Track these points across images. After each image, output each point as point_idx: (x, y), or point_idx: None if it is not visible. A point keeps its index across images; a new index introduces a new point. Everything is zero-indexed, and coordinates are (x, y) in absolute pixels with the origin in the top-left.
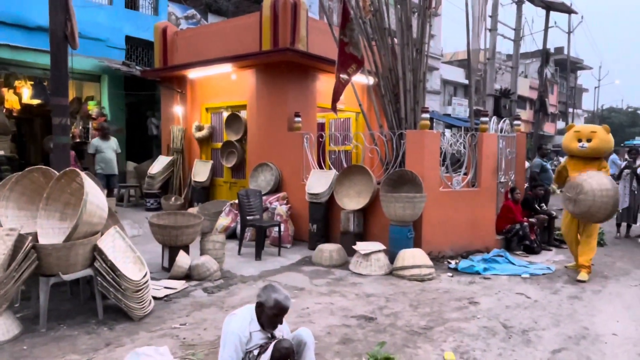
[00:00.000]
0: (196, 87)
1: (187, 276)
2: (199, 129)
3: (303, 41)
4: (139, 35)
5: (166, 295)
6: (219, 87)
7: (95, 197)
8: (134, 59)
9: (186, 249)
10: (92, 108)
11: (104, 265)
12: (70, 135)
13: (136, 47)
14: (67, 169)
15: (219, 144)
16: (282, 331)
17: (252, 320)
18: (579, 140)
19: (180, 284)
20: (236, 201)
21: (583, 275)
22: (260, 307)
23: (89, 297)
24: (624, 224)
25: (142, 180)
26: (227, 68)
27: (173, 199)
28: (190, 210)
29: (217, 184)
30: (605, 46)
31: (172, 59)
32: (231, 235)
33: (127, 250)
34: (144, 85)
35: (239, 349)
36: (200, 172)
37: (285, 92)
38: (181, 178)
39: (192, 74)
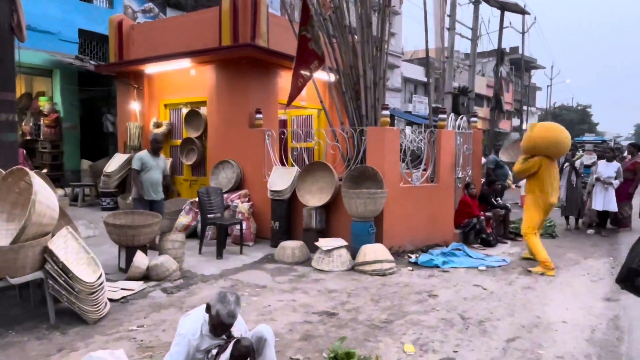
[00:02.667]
0: (154, 83)
1: (145, 277)
2: (157, 125)
3: (264, 37)
4: (93, 28)
5: (123, 297)
6: (177, 83)
7: (45, 196)
8: (88, 53)
9: (144, 249)
10: (43, 104)
11: (56, 267)
12: (20, 132)
13: (90, 41)
14: (15, 167)
15: (179, 141)
16: (240, 330)
17: (205, 322)
18: None
19: (137, 285)
20: (196, 199)
21: (538, 269)
22: (207, 311)
23: (40, 301)
24: (572, 217)
25: (98, 179)
26: (186, 63)
27: (130, 197)
28: None
29: (176, 182)
30: (556, 46)
31: (129, 53)
32: (192, 234)
33: (81, 251)
34: (99, 81)
35: (185, 351)
36: None
37: (246, 88)
38: None
39: (150, 69)
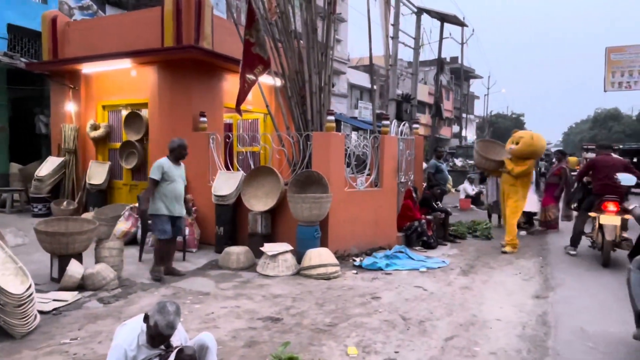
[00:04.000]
0: (91, 83)
1: (80, 286)
2: (95, 127)
3: (208, 39)
4: (25, 24)
5: (55, 309)
6: (117, 84)
7: None
8: (19, 50)
9: (79, 257)
10: None
11: None
12: None
13: (21, 37)
14: None
15: (118, 144)
16: (180, 339)
17: (142, 332)
18: (512, 143)
19: (71, 296)
20: (137, 205)
21: (508, 248)
22: (145, 321)
23: None
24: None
25: (29, 184)
26: (126, 64)
27: (65, 203)
28: (85, 215)
29: (115, 187)
30: (493, 58)
31: (64, 51)
32: (132, 241)
33: (7, 261)
34: (31, 80)
35: None
36: (97, 174)
37: (190, 90)
38: (74, 181)
39: (87, 68)
